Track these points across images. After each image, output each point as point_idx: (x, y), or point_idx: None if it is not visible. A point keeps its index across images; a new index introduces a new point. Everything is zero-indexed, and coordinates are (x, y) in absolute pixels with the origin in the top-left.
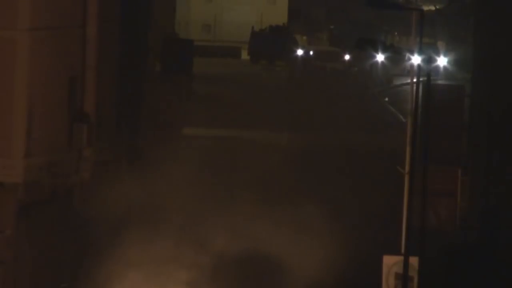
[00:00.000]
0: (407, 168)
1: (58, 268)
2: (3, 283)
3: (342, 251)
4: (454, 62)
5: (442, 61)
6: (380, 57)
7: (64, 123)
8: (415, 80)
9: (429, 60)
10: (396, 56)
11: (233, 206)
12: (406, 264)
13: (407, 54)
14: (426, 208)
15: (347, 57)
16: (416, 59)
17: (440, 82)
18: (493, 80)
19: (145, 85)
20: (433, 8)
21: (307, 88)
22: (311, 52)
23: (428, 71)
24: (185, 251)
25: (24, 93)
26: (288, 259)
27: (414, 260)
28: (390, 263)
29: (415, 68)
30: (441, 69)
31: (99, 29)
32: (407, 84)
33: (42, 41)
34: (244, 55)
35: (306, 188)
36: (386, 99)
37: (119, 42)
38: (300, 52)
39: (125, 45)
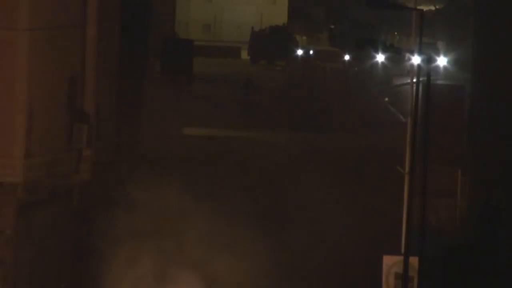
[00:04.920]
0: (407, 168)
1: (58, 268)
2: (3, 283)
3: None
4: (454, 62)
5: (442, 61)
6: (380, 57)
7: (64, 123)
8: (415, 80)
9: (429, 60)
10: (396, 56)
11: (232, 207)
12: (406, 264)
13: (407, 54)
14: (426, 208)
15: (347, 57)
16: (416, 59)
17: (440, 82)
18: (493, 80)
19: (145, 85)
20: (433, 8)
21: (307, 88)
22: (311, 52)
23: (428, 71)
24: (184, 254)
25: (24, 93)
26: None
27: (414, 260)
28: (390, 263)
29: (415, 68)
30: (441, 69)
31: (99, 29)
32: (407, 84)
33: (42, 41)
34: (244, 55)
35: (305, 188)
36: (386, 99)
37: (119, 42)
38: (300, 52)
39: (125, 45)
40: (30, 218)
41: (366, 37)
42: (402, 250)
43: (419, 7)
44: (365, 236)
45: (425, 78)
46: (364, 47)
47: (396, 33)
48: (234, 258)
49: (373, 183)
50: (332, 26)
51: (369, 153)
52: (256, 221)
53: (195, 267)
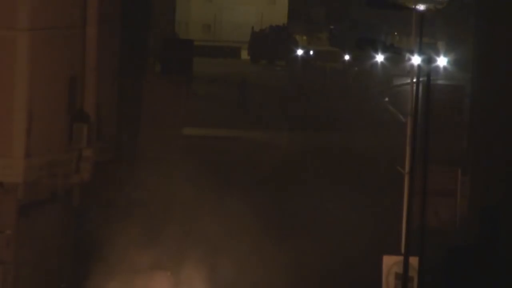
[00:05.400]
0: (407, 168)
1: (58, 268)
2: (3, 283)
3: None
4: (454, 62)
5: (442, 61)
6: (380, 57)
7: (64, 123)
8: (415, 80)
9: (429, 60)
10: (396, 56)
11: (232, 206)
12: (406, 264)
13: (407, 54)
14: (426, 208)
15: (347, 57)
16: (416, 59)
17: (440, 82)
18: (493, 80)
19: (145, 85)
20: (433, 8)
21: (306, 88)
22: (311, 52)
23: (428, 71)
24: (185, 251)
25: (24, 93)
26: None
27: (414, 260)
28: (390, 263)
29: (415, 68)
30: (441, 69)
31: (99, 29)
32: (407, 84)
33: (42, 41)
34: (244, 55)
35: (304, 187)
36: (386, 99)
37: (119, 42)
38: (300, 52)
39: (125, 45)
40: (30, 218)
41: (366, 37)
42: (402, 250)
43: (419, 7)
44: (365, 235)
45: (425, 78)
46: (364, 47)
47: (396, 33)
48: (234, 257)
49: (372, 183)
50: (332, 26)
51: (369, 153)
52: (256, 221)
53: (196, 266)
